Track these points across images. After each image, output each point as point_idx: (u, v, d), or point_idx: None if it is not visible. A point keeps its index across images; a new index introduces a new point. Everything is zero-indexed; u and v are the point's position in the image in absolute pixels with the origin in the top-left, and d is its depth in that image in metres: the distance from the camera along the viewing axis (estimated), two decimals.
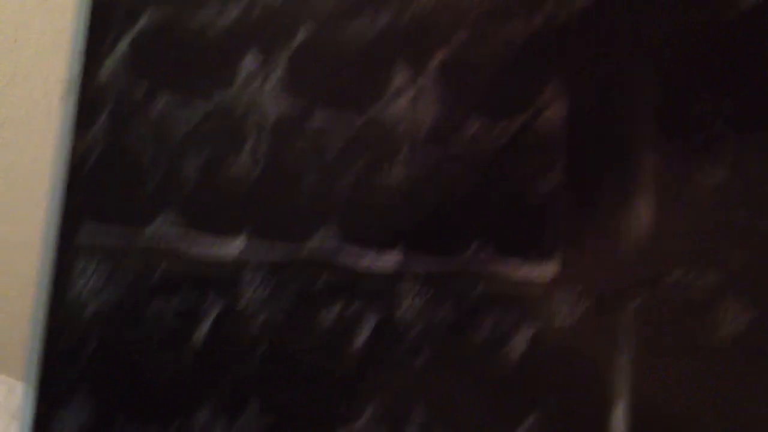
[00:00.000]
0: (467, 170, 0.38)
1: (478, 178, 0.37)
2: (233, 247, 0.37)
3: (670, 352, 0.35)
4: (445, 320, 0.37)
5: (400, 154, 0.37)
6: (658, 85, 0.37)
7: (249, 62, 0.38)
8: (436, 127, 0.38)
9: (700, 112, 0.36)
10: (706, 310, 0.35)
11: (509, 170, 0.37)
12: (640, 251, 0.36)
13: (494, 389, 0.36)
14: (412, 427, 0.36)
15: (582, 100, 0.37)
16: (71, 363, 0.35)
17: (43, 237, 0.35)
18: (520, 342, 0.36)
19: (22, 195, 0.65)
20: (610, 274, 0.36)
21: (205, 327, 0.36)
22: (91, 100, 0.37)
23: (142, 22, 0.38)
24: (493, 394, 0.36)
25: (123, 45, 0.37)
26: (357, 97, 0.38)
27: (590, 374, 0.36)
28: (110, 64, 0.37)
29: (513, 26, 0.37)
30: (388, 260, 0.37)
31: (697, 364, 0.35)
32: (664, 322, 0.36)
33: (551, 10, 0.37)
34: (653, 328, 0.36)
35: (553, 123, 0.37)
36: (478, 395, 0.36)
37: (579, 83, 0.37)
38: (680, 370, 0.35)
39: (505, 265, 0.37)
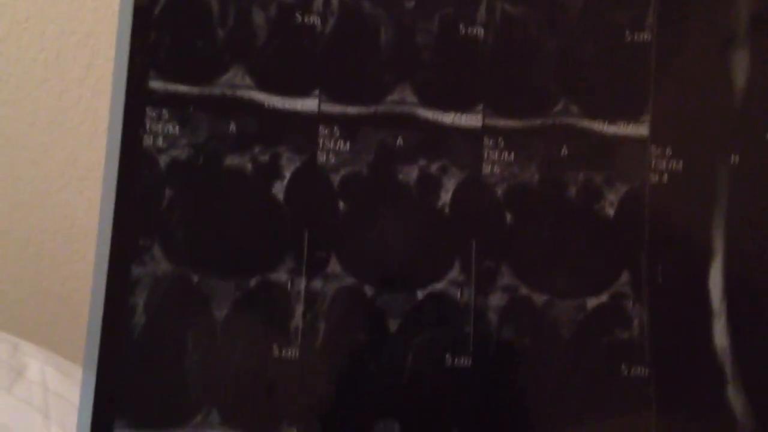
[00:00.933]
0: (551, 26, 0.37)
1: (563, 33, 0.37)
2: (308, 102, 0.36)
3: (766, 211, 0.36)
4: (532, 178, 0.37)
5: (479, 9, 0.37)
6: None
7: None
8: None
9: None
10: None
11: (595, 25, 0.37)
12: (734, 109, 0.36)
13: (587, 246, 0.36)
14: (499, 286, 0.36)
15: None
16: (146, 216, 0.35)
17: (113, 83, 0.35)
18: (612, 200, 0.37)
19: (87, 41, 0.67)
20: (704, 134, 0.36)
21: (284, 181, 0.36)
22: None
23: None
24: (586, 251, 0.36)
25: None
26: None
27: (685, 232, 0.36)
28: None
29: None
30: (470, 118, 0.37)
31: None
32: (761, 179, 0.36)
33: None
34: (750, 186, 0.36)
35: None
36: (569, 253, 0.36)
37: None
38: None
39: (593, 124, 0.37)
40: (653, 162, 0.36)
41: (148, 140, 0.35)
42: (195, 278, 0.35)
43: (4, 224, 0.80)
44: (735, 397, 0.34)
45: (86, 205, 0.79)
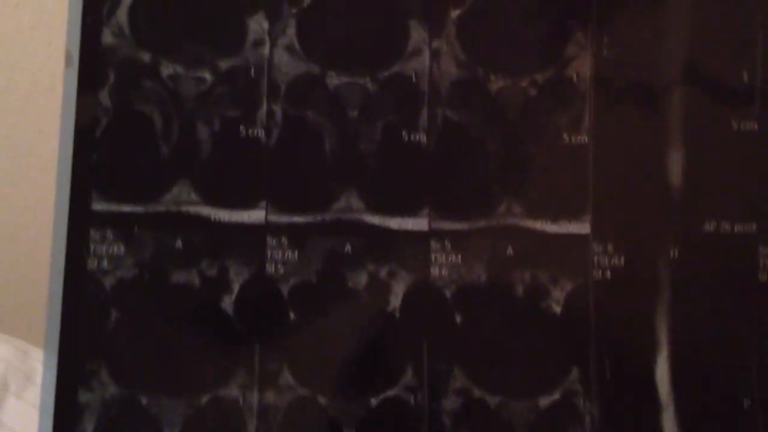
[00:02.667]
0: (492, 129, 0.38)
1: (503, 136, 0.38)
2: (255, 214, 0.37)
3: (708, 300, 0.37)
4: (480, 279, 0.37)
5: (420, 115, 0.38)
6: (690, 33, 0.38)
7: (255, 27, 0.38)
8: (458, 85, 0.38)
9: (731, 60, 0.38)
10: (742, 257, 0.37)
11: (534, 128, 0.38)
12: (673, 204, 0.37)
13: (537, 344, 0.37)
14: (452, 389, 0.36)
15: (608, 51, 0.38)
16: (92, 337, 0.34)
17: (56, 206, 0.35)
18: (558, 297, 0.37)
19: (29, 164, 0.66)
20: (644, 228, 0.37)
21: (232, 294, 0.36)
22: (93, 70, 0.36)
23: None
24: (536, 350, 0.37)
25: (121, 14, 0.37)
26: (372, 57, 0.38)
27: (630, 326, 0.37)
28: (108, 33, 0.37)
29: None
30: (416, 222, 0.37)
31: (737, 308, 0.37)
32: (701, 270, 0.37)
33: None
34: (690, 277, 0.37)
35: (580, 76, 0.38)
36: (519, 352, 0.37)
37: (605, 34, 0.38)
38: (720, 315, 0.37)
39: (536, 224, 0.37)
40: (596, 259, 0.37)
41: (92, 263, 0.35)
42: (144, 400, 0.34)
43: None
44: None
45: None
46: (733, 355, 0.36)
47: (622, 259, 0.37)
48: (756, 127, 0.37)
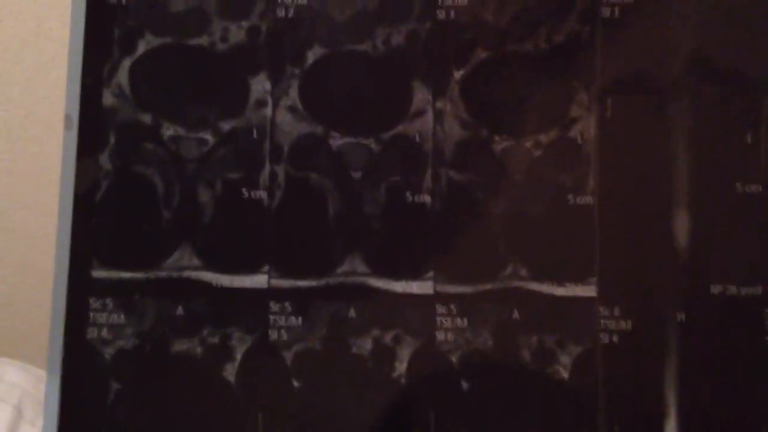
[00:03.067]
0: (497, 191, 0.38)
1: (508, 198, 0.38)
2: (258, 279, 0.36)
3: (716, 364, 0.36)
4: (486, 344, 0.37)
5: (425, 176, 0.38)
6: (694, 96, 0.38)
7: (258, 87, 0.38)
8: (461, 146, 0.38)
9: (734, 122, 0.38)
10: (751, 320, 0.37)
11: (539, 189, 0.38)
12: (679, 267, 0.37)
13: (544, 410, 0.36)
14: None
15: (612, 114, 0.38)
16: (92, 413, 0.34)
17: (54, 275, 0.34)
18: (565, 362, 0.37)
19: (28, 231, 0.64)
20: (651, 291, 0.37)
21: (235, 362, 0.35)
22: (93, 132, 0.36)
23: (140, 49, 0.38)
24: (544, 416, 0.36)
25: (121, 75, 0.37)
26: (375, 117, 0.38)
27: (638, 392, 0.36)
28: (109, 94, 0.37)
29: (534, 42, 0.38)
30: (421, 286, 0.37)
31: (745, 371, 0.36)
32: (708, 334, 0.37)
33: (574, 26, 0.38)
34: (698, 341, 0.37)
35: (584, 137, 0.38)
36: (528, 419, 0.36)
37: (609, 96, 0.38)
38: (727, 379, 0.36)
39: (542, 287, 0.37)
40: (603, 323, 0.36)
41: (92, 332, 0.34)
42: None
43: None
44: None
45: None
46: (742, 420, 0.36)
47: (630, 323, 0.37)
48: (760, 189, 0.36)
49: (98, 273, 0.34)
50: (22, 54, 0.63)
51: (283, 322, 0.35)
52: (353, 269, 0.36)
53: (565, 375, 0.36)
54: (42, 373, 0.53)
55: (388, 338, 0.36)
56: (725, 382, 0.36)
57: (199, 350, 0.34)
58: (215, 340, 0.35)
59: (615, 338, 0.36)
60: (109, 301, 0.34)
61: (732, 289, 0.36)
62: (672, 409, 0.36)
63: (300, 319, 0.35)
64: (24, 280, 0.72)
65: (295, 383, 0.35)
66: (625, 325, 0.36)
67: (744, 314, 0.37)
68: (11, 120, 0.67)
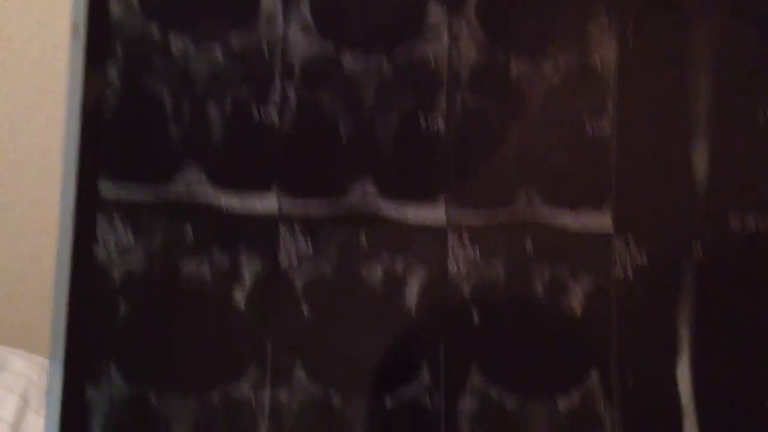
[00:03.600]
0: (512, 116, 0.37)
1: (523, 123, 0.37)
2: (266, 202, 0.35)
3: (731, 300, 0.36)
4: (497, 275, 0.36)
5: (438, 101, 0.36)
6: (718, 22, 0.37)
7: (269, 1, 0.36)
8: (476, 70, 0.37)
9: (760, 54, 0.36)
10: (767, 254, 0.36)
11: (557, 115, 0.37)
12: (698, 198, 0.36)
13: (556, 345, 0.36)
14: (469, 387, 0.35)
15: (634, 40, 0.37)
16: (100, 334, 0.33)
17: (62, 192, 0.33)
18: (577, 295, 0.36)
19: (35, 145, 0.63)
20: (667, 226, 0.36)
21: (245, 287, 0.34)
22: (100, 45, 0.35)
23: None
24: (555, 350, 0.36)
25: None
26: (388, 38, 0.36)
27: (652, 328, 0.36)
28: (116, 4, 0.35)
29: None
30: (434, 213, 0.36)
31: (760, 308, 0.36)
32: (724, 269, 0.36)
33: None
34: (714, 276, 0.36)
35: (604, 65, 0.36)
36: (539, 353, 0.36)
37: (630, 20, 0.36)
38: (743, 315, 0.36)
39: (557, 219, 0.36)
40: (617, 256, 0.36)
41: (100, 251, 0.33)
42: (153, 398, 0.33)
43: None
44: None
45: None
46: (756, 357, 0.35)
47: (645, 257, 0.36)
48: None
49: (106, 191, 0.33)
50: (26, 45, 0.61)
51: (293, 247, 0.34)
52: (364, 194, 0.35)
53: (578, 310, 0.35)
54: (46, 362, 0.53)
55: (399, 267, 0.35)
56: (740, 320, 0.36)
57: (208, 273, 0.33)
58: (225, 263, 0.34)
59: (630, 272, 0.36)
60: (117, 220, 0.33)
61: (751, 222, 0.36)
62: (685, 347, 0.35)
63: (310, 244, 0.34)
64: (29, 272, 0.72)
65: (305, 309, 0.34)
66: (641, 259, 0.36)
67: (763, 249, 0.36)
68: (14, 113, 0.65)
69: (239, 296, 0.34)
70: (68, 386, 0.32)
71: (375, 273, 0.35)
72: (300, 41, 0.36)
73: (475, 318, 0.35)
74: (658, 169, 0.36)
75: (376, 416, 0.34)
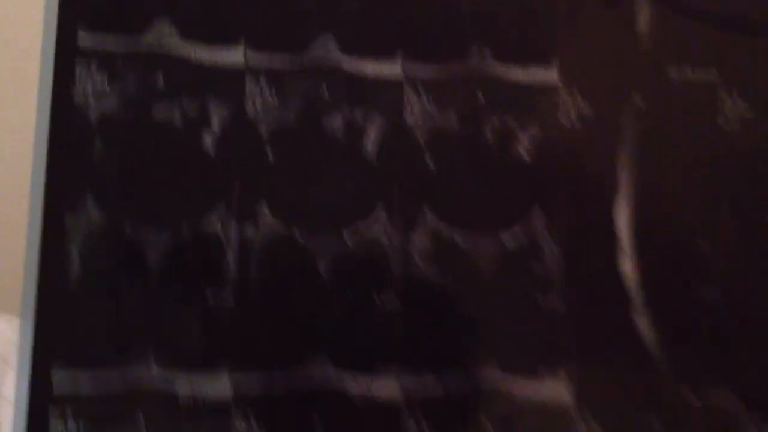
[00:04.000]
0: None
1: None
2: (233, 54, 0.38)
3: (670, 145, 0.39)
4: (450, 124, 0.39)
5: None
6: None
7: None
8: None
9: None
10: (705, 104, 0.39)
11: None
12: (639, 51, 0.39)
13: (504, 188, 0.39)
14: (420, 227, 0.38)
15: None
16: (78, 168, 0.36)
17: (43, 42, 0.36)
18: (524, 142, 0.39)
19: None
20: (610, 77, 0.39)
21: (213, 132, 0.37)
22: None
23: None
24: (503, 193, 0.38)
25: None
26: None
27: (593, 171, 0.39)
28: None
29: None
30: (391, 67, 0.38)
31: (697, 155, 0.39)
32: (664, 116, 0.39)
33: None
34: (654, 123, 0.39)
35: None
36: (488, 196, 0.38)
37: None
38: (680, 161, 0.39)
39: (505, 70, 0.39)
40: (563, 106, 0.38)
41: (78, 94, 0.36)
42: (127, 227, 0.36)
43: None
44: (639, 318, 0.37)
45: None
46: (688, 196, 0.38)
47: (589, 107, 0.38)
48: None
49: (84, 38, 0.36)
50: None
51: (259, 97, 0.37)
52: (326, 49, 0.38)
53: (525, 155, 0.38)
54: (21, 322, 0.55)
55: (358, 117, 0.38)
56: (675, 163, 0.38)
57: (178, 119, 0.36)
58: (195, 110, 0.36)
59: (575, 121, 0.38)
60: (94, 67, 0.36)
61: (688, 75, 0.38)
62: (623, 188, 0.38)
63: (275, 94, 0.37)
64: None
65: (270, 154, 0.37)
66: (585, 109, 0.38)
67: (698, 100, 0.38)
68: None
69: (208, 141, 0.37)
70: (48, 215, 0.35)
71: (336, 122, 0.38)
72: None
73: (429, 163, 0.38)
74: (601, 24, 0.39)
75: (336, 250, 0.37)
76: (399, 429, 0.35)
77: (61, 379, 0.34)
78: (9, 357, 0.49)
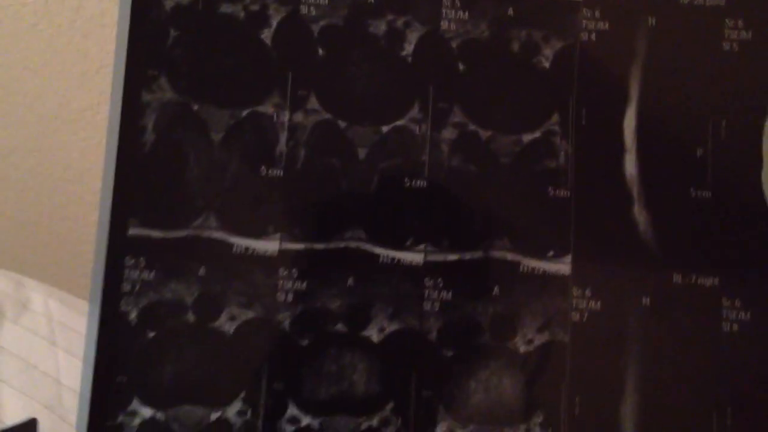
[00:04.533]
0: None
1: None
2: None
3: (678, 62, 0.43)
4: (482, 34, 0.43)
5: None
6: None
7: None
8: None
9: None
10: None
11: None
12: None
13: (525, 92, 0.43)
14: (450, 122, 0.43)
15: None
16: (153, 51, 0.41)
17: None
18: (548, 54, 0.44)
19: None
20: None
21: (271, 28, 0.42)
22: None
23: None
24: (525, 96, 0.43)
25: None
26: None
27: (607, 81, 0.43)
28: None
29: None
30: None
31: (702, 74, 0.43)
32: (675, 36, 0.43)
33: None
34: (666, 41, 0.43)
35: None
36: (511, 98, 0.43)
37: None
38: (683, 81, 0.43)
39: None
40: (584, 22, 0.43)
41: None
42: (195, 106, 0.41)
43: (2, 169, 0.83)
44: (639, 215, 0.42)
45: (81, 146, 0.81)
46: (691, 110, 0.43)
47: (607, 24, 0.43)
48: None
49: None
50: None
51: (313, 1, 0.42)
52: None
53: (546, 65, 0.43)
54: (18, 277, 0.58)
55: (399, 22, 0.43)
56: (684, 81, 0.43)
57: (242, 14, 0.41)
58: (256, 7, 0.42)
59: (593, 36, 0.43)
60: None
61: None
62: (634, 98, 0.43)
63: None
64: None
65: (320, 51, 0.42)
66: (603, 25, 0.43)
67: (708, 22, 0.43)
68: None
69: (266, 35, 0.42)
70: (127, 92, 0.40)
71: (379, 26, 0.43)
72: None
73: (461, 67, 0.43)
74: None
75: (374, 138, 0.42)
76: (418, 285, 0.40)
77: (135, 233, 0.40)
78: (57, 338, 0.53)
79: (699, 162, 0.42)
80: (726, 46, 0.42)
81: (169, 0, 0.40)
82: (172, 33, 0.40)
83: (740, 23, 0.42)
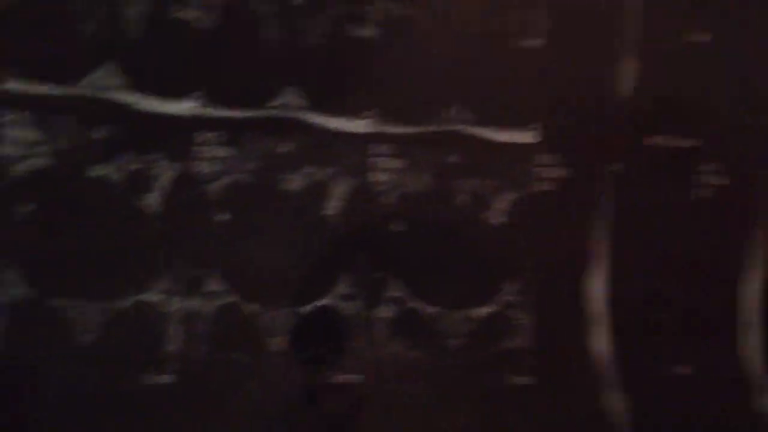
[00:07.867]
0: (441, 30, 0.36)
1: (453, 37, 0.36)
2: (185, 106, 0.33)
3: (647, 215, 0.37)
4: (422, 186, 0.36)
5: (370, 10, 0.35)
6: None
7: None
8: None
9: None
10: (682, 174, 0.37)
11: (489, 29, 0.36)
12: (621, 116, 0.37)
13: (475, 255, 0.36)
14: (388, 300, 0.35)
15: None
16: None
17: None
18: (500, 207, 0.36)
19: None
20: (591, 140, 0.37)
21: (157, 192, 0.33)
22: None
23: None
24: (474, 261, 0.36)
25: None
26: None
27: (568, 240, 0.36)
28: None
29: None
30: (359, 124, 0.35)
31: (673, 225, 0.37)
32: (642, 185, 0.37)
33: None
34: (632, 191, 0.37)
35: None
36: (458, 264, 0.36)
37: None
38: (657, 231, 0.37)
39: (484, 132, 0.36)
40: (539, 170, 0.36)
41: (2, 147, 0.32)
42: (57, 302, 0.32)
43: None
44: (612, 402, 0.35)
45: None
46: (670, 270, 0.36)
47: (566, 171, 0.36)
48: (709, 37, 0.36)
49: (13, 84, 0.32)
50: None
51: (211, 152, 0.34)
52: (288, 102, 0.34)
53: (498, 220, 0.35)
54: None
55: (321, 176, 0.35)
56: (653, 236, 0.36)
57: (117, 177, 0.32)
58: (137, 167, 0.33)
59: (551, 185, 0.36)
60: (23, 115, 0.32)
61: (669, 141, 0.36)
62: (600, 259, 0.36)
63: (230, 150, 0.34)
64: None
65: (221, 217, 0.33)
66: (562, 172, 0.36)
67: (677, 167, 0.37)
68: None
69: (151, 201, 0.33)
70: None
71: (296, 181, 0.35)
72: None
73: (397, 228, 0.35)
74: (581, 87, 0.37)
75: (292, 324, 0.34)
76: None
77: None
78: None
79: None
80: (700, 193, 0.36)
81: (21, 164, 0.31)
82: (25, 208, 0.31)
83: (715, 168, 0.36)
